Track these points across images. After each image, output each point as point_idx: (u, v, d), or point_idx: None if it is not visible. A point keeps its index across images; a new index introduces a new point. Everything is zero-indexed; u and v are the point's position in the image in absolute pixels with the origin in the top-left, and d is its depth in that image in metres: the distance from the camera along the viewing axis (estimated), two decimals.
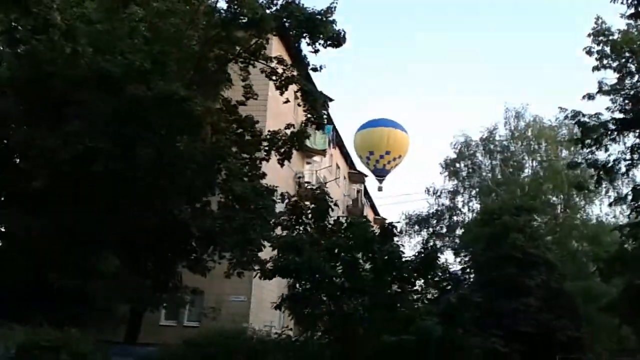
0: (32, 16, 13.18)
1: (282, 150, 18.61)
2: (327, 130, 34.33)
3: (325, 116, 34.44)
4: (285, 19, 16.45)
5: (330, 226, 9.03)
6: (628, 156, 21.82)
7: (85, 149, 13.90)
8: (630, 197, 22.51)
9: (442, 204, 48.26)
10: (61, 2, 13.72)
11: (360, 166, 50.25)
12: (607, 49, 24.45)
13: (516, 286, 35.56)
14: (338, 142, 42.64)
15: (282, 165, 19.25)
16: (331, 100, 37.44)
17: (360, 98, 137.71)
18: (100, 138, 13.99)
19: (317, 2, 17.14)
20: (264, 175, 18.61)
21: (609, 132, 20.57)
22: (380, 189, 47.38)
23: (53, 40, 13.45)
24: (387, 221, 47.30)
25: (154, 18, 15.40)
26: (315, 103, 18.17)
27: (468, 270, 44.95)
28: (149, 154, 14.02)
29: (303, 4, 16.39)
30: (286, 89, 18.49)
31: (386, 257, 8.38)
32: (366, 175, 49.63)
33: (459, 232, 48.34)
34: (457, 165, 47.61)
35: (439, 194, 48.05)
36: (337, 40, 16.53)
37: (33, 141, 14.31)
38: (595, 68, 24.56)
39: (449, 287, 47.58)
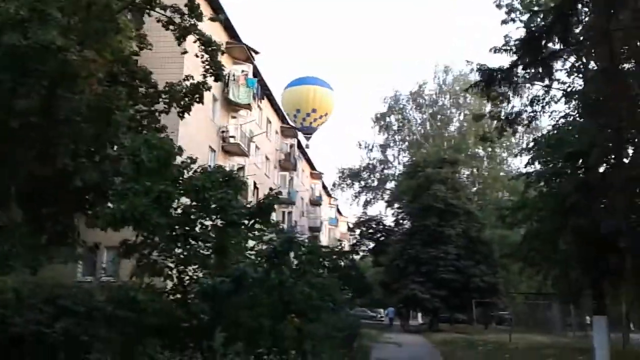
0: None
1: (182, 103, 18.30)
2: (250, 83, 34.14)
3: (248, 68, 34.53)
4: None
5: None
6: (529, 108, 22.61)
7: None
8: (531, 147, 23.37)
9: (374, 158, 49.26)
10: None
11: None
12: (516, 3, 24.97)
13: (437, 235, 37.21)
14: (269, 96, 42.45)
15: (181, 117, 19.02)
16: (257, 52, 37.41)
17: (292, 52, 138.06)
18: None
19: None
20: (163, 128, 18.34)
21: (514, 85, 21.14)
22: (307, 146, 48.02)
23: None
24: (321, 174, 47.75)
25: None
26: (214, 53, 17.90)
27: (400, 221, 46.57)
28: (29, 102, 13.65)
29: None
30: (184, 39, 18.13)
31: (215, 205, 8.43)
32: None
33: (390, 185, 49.60)
34: (388, 119, 48.49)
35: (370, 147, 49.02)
36: None
37: None
38: (504, 22, 25.10)
39: (382, 239, 48.90)
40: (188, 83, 18.39)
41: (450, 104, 47.99)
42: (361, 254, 54.73)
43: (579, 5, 12.13)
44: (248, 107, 34.11)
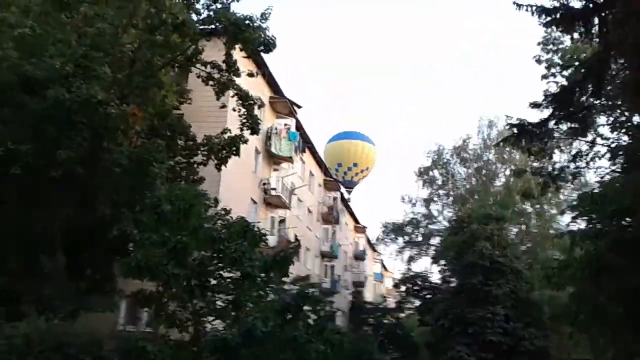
0: None
1: (220, 155, 18.66)
2: (292, 136, 34.55)
3: (291, 122, 35.06)
4: (214, 24, 16.63)
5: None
6: (572, 164, 21.99)
7: (7, 150, 14.04)
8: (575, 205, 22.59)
9: (418, 212, 48.58)
10: None
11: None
12: (556, 58, 24.69)
13: (484, 295, 35.80)
14: (311, 150, 42.87)
15: (218, 169, 19.37)
16: (299, 107, 38.06)
17: (336, 107, 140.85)
18: (22, 140, 14.15)
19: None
20: (201, 179, 18.69)
21: (555, 140, 20.67)
22: (348, 199, 47.97)
23: None
24: (365, 228, 47.41)
25: (81, 23, 15.57)
26: (251, 108, 18.30)
27: (446, 278, 45.27)
28: (70, 153, 14.17)
29: (233, 10, 16.61)
30: (223, 94, 18.65)
31: (231, 256, 8.35)
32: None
33: (434, 240, 48.62)
34: (431, 173, 47.98)
35: (413, 202, 48.42)
36: (267, 46, 16.71)
37: None
38: (544, 77, 24.80)
39: (429, 296, 47.44)
40: (226, 136, 18.78)
41: (495, 159, 47.15)
42: (406, 312, 53.42)
43: (611, 59, 11.81)
44: (290, 159, 34.41)
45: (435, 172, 48.43)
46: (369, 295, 60.90)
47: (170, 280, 8.28)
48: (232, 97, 18.60)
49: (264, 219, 32.78)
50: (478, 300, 35.46)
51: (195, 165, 18.73)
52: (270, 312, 8.77)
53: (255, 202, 31.90)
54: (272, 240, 32.25)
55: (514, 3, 13.17)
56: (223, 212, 15.62)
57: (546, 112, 14.92)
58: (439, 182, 48.67)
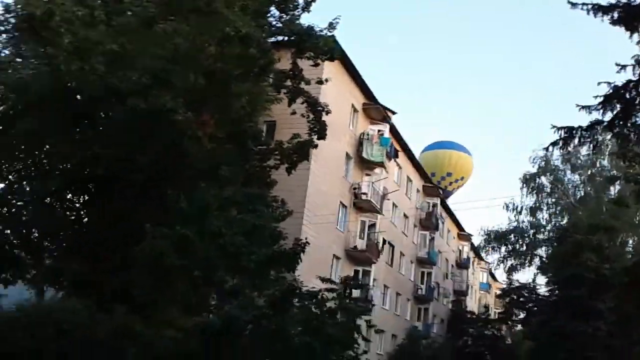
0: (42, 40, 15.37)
1: (290, 160, 19.47)
2: (384, 142, 34.82)
3: (385, 128, 35.25)
4: (283, 35, 17.48)
5: None
6: None
7: (92, 154, 15.79)
8: None
9: (523, 221, 46.52)
10: (71, 25, 15.66)
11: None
12: None
13: (586, 308, 33.75)
14: (409, 155, 42.77)
15: (289, 173, 20.13)
16: (394, 112, 38.26)
17: (437, 113, 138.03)
18: (105, 145, 15.85)
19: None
20: (273, 182, 19.59)
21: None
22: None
23: (63, 60, 15.49)
24: (470, 236, 46.31)
25: (159, 39, 17.05)
26: (318, 114, 18.94)
27: (554, 290, 43.13)
28: (147, 157, 15.62)
29: (299, 22, 17.37)
30: (294, 101, 19.46)
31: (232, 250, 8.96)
32: (442, 189, 49.25)
33: (540, 250, 46.39)
34: (538, 180, 45.74)
35: (519, 209, 46.42)
36: (330, 54, 17.28)
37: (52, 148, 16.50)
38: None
39: (535, 308, 45.58)
40: (295, 141, 19.56)
41: (611, 166, 43.97)
42: (512, 324, 51.43)
43: None
44: (382, 165, 34.67)
45: (543, 179, 46.16)
46: (472, 304, 59.21)
47: (172, 272, 9.10)
48: (302, 103, 19.34)
49: (355, 222, 33.33)
50: (580, 314, 33.56)
51: (267, 169, 19.68)
52: (262, 303, 9.28)
53: (345, 206, 32.50)
54: (361, 244, 32.88)
55: (569, 2, 12.71)
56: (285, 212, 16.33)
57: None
58: (547, 189, 46.33)
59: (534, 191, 45.78)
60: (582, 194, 45.12)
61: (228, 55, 17.98)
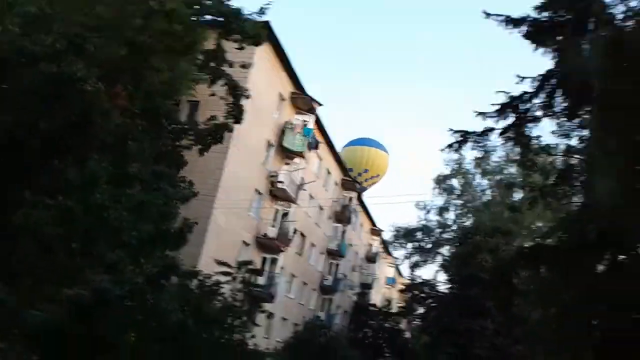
0: None
1: (204, 141, 19.34)
2: (306, 132, 35.07)
3: (310, 119, 35.54)
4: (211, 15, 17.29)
5: None
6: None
7: None
8: None
9: (430, 220, 48.49)
10: None
11: None
12: None
13: (476, 307, 35.68)
14: (331, 148, 43.32)
15: (201, 154, 19.99)
16: (320, 104, 38.54)
17: (361, 106, 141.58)
18: (6, 109, 15.10)
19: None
20: (184, 163, 19.38)
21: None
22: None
23: None
24: (381, 231, 47.42)
25: (80, 5, 16.45)
26: (238, 98, 18.92)
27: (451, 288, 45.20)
28: (50, 125, 15.01)
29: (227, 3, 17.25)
30: (215, 83, 19.33)
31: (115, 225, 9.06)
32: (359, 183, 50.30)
33: (444, 249, 48.46)
34: (449, 182, 47.79)
35: (428, 209, 48.31)
36: (257, 39, 17.31)
37: None
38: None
39: (433, 304, 46.79)
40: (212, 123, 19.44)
41: (519, 173, 46.52)
42: (410, 318, 53.34)
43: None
44: (301, 155, 34.87)
45: (454, 181, 48.28)
46: (377, 298, 61.01)
47: (53, 241, 9.02)
48: (222, 86, 19.23)
49: (269, 210, 33.45)
50: (471, 312, 35.44)
51: (180, 149, 19.45)
52: (134, 279, 9.36)
53: (260, 193, 32.51)
54: (272, 232, 33.09)
55: (484, 12, 13.40)
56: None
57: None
58: (457, 191, 48.48)
59: (445, 192, 47.82)
60: (489, 197, 47.51)
61: (152, 29, 17.61)
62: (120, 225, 9.75)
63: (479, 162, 47.21)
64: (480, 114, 14.58)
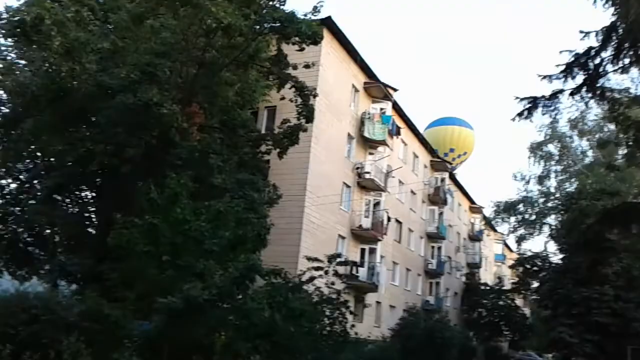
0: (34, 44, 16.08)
1: (281, 145, 19.99)
2: (385, 120, 35.00)
3: (387, 106, 35.50)
4: (267, 23, 17.89)
5: None
6: None
7: (86, 151, 16.51)
8: None
9: (531, 190, 46.50)
10: (61, 27, 16.28)
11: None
12: None
13: (592, 274, 33.83)
14: (414, 131, 42.97)
15: (280, 157, 20.62)
16: (395, 90, 38.47)
17: (440, 89, 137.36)
18: (97, 141, 16.55)
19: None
20: (263, 168, 20.12)
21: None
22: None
23: (55, 61, 16.17)
24: (481, 208, 46.49)
25: (148, 34, 17.63)
26: (306, 98, 19.38)
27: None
28: (136, 151, 16.29)
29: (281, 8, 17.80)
30: (283, 87, 19.92)
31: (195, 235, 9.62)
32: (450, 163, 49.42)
33: (550, 219, 46.36)
34: (545, 148, 45.58)
35: (527, 179, 46.39)
36: (314, 39, 17.70)
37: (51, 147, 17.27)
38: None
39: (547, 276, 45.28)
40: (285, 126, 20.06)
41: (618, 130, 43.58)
42: (525, 293, 51.59)
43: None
44: (384, 143, 34.83)
45: (550, 147, 46.00)
46: (488, 276, 59.56)
47: (142, 258, 9.79)
48: (290, 89, 19.78)
49: (359, 201, 33.78)
50: (585, 280, 33.71)
51: (260, 155, 20.24)
52: (221, 283, 9.92)
53: (349, 186, 32.87)
54: (366, 223, 33.39)
55: None
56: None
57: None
58: (555, 157, 46.17)
59: (542, 159, 45.66)
60: (591, 159, 44.91)
61: (215, 46, 18.52)
62: (202, 236, 10.53)
63: (574, 123, 44.92)
64: (545, 77, 14.02)
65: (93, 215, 21.36)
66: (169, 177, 12.74)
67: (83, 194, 21.01)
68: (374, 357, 14.92)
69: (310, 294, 14.30)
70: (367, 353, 14.69)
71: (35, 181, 21.16)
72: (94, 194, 21.00)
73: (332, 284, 15.33)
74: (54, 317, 9.64)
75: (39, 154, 20.56)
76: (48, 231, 21.61)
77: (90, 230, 20.98)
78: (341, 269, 17.29)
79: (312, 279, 14.48)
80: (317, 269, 14.89)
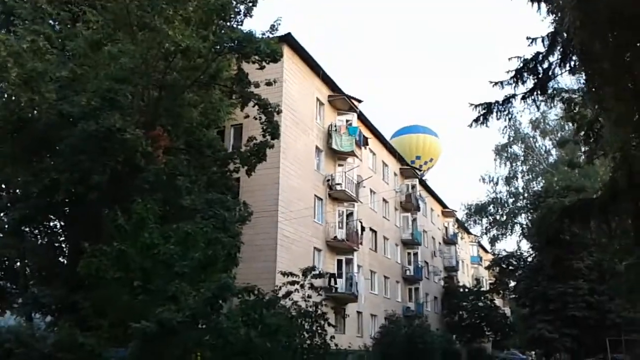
0: None
1: (250, 162, 20.10)
2: (351, 131, 35.36)
3: (352, 117, 35.85)
4: (225, 43, 18.07)
5: None
6: None
7: (51, 180, 16.37)
8: None
9: (500, 191, 47.29)
10: (17, 58, 16.16)
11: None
12: None
13: (564, 269, 34.51)
14: (382, 140, 43.43)
15: (249, 175, 20.71)
16: (360, 101, 38.92)
17: (404, 96, 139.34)
18: (61, 170, 16.43)
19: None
20: (232, 187, 20.19)
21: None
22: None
23: (13, 92, 16.06)
24: (454, 212, 46.83)
25: (106, 60, 17.63)
26: (270, 115, 19.56)
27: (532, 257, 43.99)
28: (101, 178, 16.21)
29: (239, 28, 18.00)
30: (246, 105, 20.06)
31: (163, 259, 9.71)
32: (418, 169, 49.99)
33: (521, 218, 47.10)
34: (510, 149, 46.53)
35: (495, 180, 47.18)
36: (273, 56, 17.93)
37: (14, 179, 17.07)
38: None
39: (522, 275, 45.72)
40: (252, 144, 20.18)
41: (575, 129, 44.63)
42: (502, 293, 52.19)
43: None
44: (352, 154, 35.15)
45: (515, 148, 46.96)
46: (466, 279, 60.16)
47: (112, 284, 9.82)
48: (253, 106, 19.94)
49: (332, 213, 33.96)
50: (559, 275, 34.36)
51: (228, 174, 20.30)
52: (194, 304, 9.99)
53: (320, 199, 33.04)
54: (341, 234, 33.55)
55: None
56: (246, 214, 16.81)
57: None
58: (521, 157, 47.13)
59: (508, 160, 46.59)
60: (555, 158, 45.98)
61: (175, 68, 18.60)
62: (171, 259, 10.58)
63: (536, 123, 45.94)
64: (496, 83, 14.43)
65: (63, 245, 21.15)
66: (136, 202, 12.71)
67: (52, 224, 20.75)
68: None
69: (288, 308, 14.34)
70: None
71: (1, 214, 20.86)
72: (62, 223, 20.77)
73: (309, 297, 15.40)
74: (28, 350, 9.61)
75: (3, 185, 20.32)
76: (18, 264, 21.32)
77: (61, 259, 20.73)
78: (319, 282, 17.41)
79: (288, 293, 14.53)
80: (292, 283, 14.96)
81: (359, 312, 35.31)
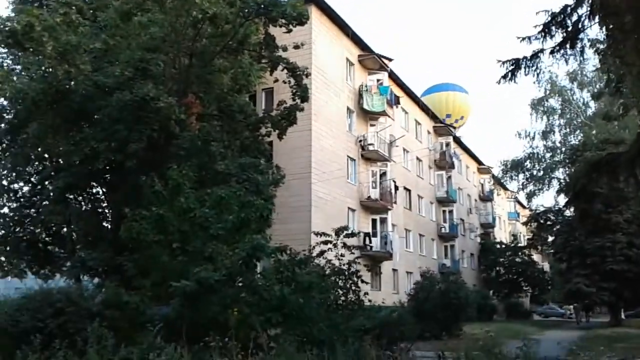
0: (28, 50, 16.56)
1: (281, 125, 20.42)
2: (382, 91, 35.22)
3: (383, 77, 35.66)
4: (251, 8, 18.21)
5: None
6: None
7: (91, 150, 17.07)
8: None
9: (536, 146, 46.59)
10: (53, 32, 16.69)
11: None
12: None
13: (602, 223, 34.12)
14: (414, 99, 43.10)
15: (280, 138, 21.06)
16: (390, 59, 38.58)
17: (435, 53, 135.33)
18: (100, 140, 17.10)
19: None
20: (265, 151, 20.62)
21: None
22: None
23: (50, 65, 16.65)
24: (490, 168, 46.72)
25: (137, 30, 18.02)
26: (299, 78, 19.73)
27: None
28: (137, 146, 16.82)
29: None
30: (275, 69, 20.27)
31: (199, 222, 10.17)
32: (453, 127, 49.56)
33: (558, 173, 46.50)
34: (547, 103, 45.58)
35: (532, 136, 46.46)
36: (299, 19, 18.02)
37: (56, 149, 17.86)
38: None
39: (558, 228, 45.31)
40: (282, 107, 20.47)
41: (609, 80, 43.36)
42: (540, 248, 51.91)
43: None
44: (384, 114, 35.09)
45: (552, 101, 45.95)
46: (503, 235, 59.95)
47: (153, 246, 10.40)
48: (282, 70, 20.14)
49: (365, 173, 34.20)
50: (597, 229, 34.00)
51: (260, 138, 20.71)
52: (229, 264, 10.49)
53: (353, 159, 33.26)
54: (374, 194, 33.84)
55: None
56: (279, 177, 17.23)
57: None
58: (558, 111, 46.14)
59: (545, 115, 45.70)
60: (594, 110, 44.91)
61: (204, 35, 18.88)
62: (207, 222, 11.11)
63: (573, 76, 44.76)
64: (524, 38, 14.19)
65: (106, 210, 22.07)
66: (171, 169, 13.23)
67: (94, 191, 21.65)
68: (387, 320, 15.39)
69: (322, 267, 14.80)
70: (380, 318, 15.18)
71: (46, 182, 21.83)
72: (104, 190, 21.63)
73: (342, 256, 15.82)
74: (78, 308, 10.48)
75: (46, 155, 21.24)
76: (65, 229, 22.39)
77: (105, 224, 21.67)
78: (353, 240, 17.80)
79: (321, 252, 14.97)
80: (325, 242, 15.38)
81: (394, 270, 35.84)
